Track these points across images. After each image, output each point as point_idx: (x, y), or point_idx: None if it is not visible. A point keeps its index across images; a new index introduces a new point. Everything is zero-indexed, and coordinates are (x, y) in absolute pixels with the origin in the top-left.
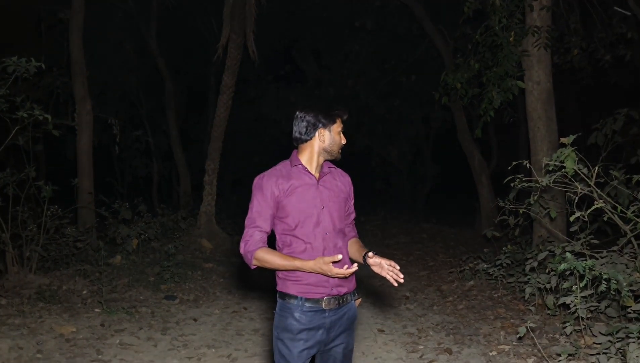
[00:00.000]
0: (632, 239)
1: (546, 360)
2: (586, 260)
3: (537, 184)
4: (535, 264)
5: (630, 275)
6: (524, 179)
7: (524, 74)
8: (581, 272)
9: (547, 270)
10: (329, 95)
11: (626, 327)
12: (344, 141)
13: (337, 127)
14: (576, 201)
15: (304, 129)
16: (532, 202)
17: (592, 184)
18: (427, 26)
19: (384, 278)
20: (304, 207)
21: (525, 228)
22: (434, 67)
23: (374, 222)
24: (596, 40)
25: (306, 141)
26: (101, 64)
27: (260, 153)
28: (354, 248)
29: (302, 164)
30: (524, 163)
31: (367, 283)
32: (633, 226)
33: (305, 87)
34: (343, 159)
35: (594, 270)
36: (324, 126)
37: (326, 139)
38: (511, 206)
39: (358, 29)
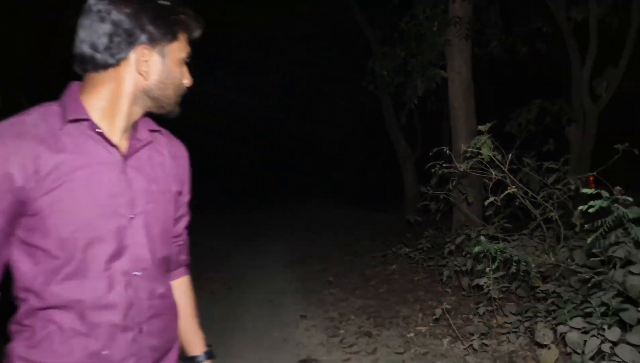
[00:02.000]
0: (542, 223)
1: (460, 340)
2: (499, 243)
3: (455, 171)
4: (453, 247)
5: (539, 257)
6: (443, 165)
7: (446, 63)
8: (493, 255)
9: (463, 253)
10: (261, 79)
11: (534, 307)
12: (187, 81)
13: (179, 51)
14: (491, 186)
15: (106, 40)
16: (451, 188)
17: (505, 170)
18: (357, 14)
19: (310, 266)
20: (87, 217)
21: (446, 213)
22: (364, 55)
23: (304, 208)
24: (514, 33)
25: (107, 66)
26: None
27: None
28: (182, 312)
29: (89, 119)
30: (444, 150)
31: (292, 269)
32: (542, 210)
33: (237, 71)
34: (274, 144)
35: (505, 253)
36: (153, 41)
37: (154, 69)
38: (432, 192)
39: (290, 15)
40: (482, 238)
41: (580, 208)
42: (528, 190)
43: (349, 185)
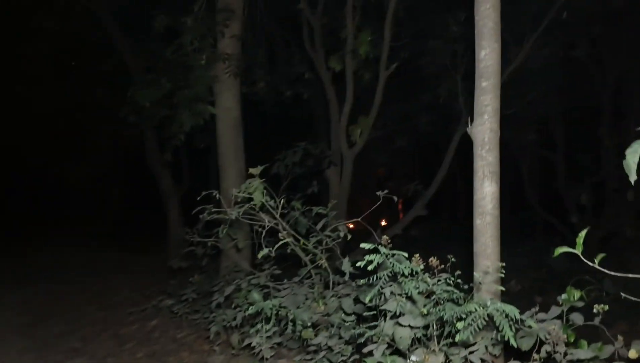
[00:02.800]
0: (312, 270)
1: None
2: (270, 292)
3: (225, 216)
4: (221, 299)
5: (310, 306)
6: (213, 210)
7: (215, 100)
8: (268, 314)
9: (233, 306)
10: None
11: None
12: None
13: None
14: (264, 234)
15: None
16: (220, 234)
17: (277, 216)
18: (116, 37)
19: (50, 328)
20: None
21: (214, 257)
22: (125, 82)
23: (48, 252)
24: (279, 76)
25: None
26: None
27: None
28: None
29: None
30: (214, 194)
31: (24, 335)
32: (312, 256)
33: None
34: (12, 179)
35: (280, 309)
36: None
37: None
38: (199, 239)
39: (35, 29)
40: (255, 295)
41: (359, 263)
42: (300, 237)
43: (106, 225)
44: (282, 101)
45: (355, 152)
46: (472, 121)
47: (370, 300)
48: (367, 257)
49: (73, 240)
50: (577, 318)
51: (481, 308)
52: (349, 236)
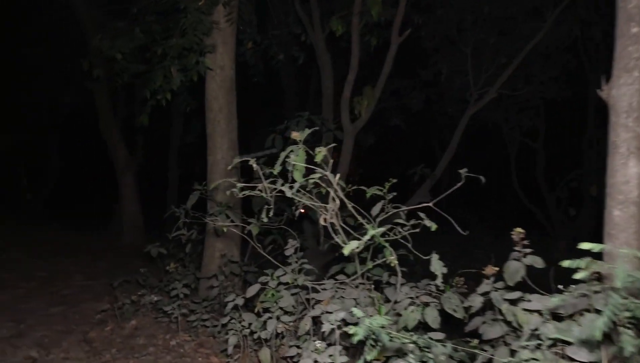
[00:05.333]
0: (359, 268)
1: None
2: (298, 293)
3: (260, 194)
4: (240, 301)
5: (372, 315)
6: (244, 184)
7: (209, 52)
8: (386, 343)
9: (256, 310)
10: None
11: None
12: None
13: None
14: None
15: None
16: (264, 218)
17: (344, 198)
18: None
19: None
20: None
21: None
22: (73, 37)
23: None
24: (270, 37)
25: None
26: None
27: None
28: None
29: None
30: (250, 162)
31: None
32: (365, 252)
33: None
34: None
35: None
36: None
37: None
38: (189, 217)
39: None
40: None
41: (578, 275)
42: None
43: (41, 198)
44: (274, 65)
45: (358, 127)
46: (607, 80)
47: (601, 331)
48: (587, 263)
49: (8, 215)
50: None
51: None
52: (435, 226)
